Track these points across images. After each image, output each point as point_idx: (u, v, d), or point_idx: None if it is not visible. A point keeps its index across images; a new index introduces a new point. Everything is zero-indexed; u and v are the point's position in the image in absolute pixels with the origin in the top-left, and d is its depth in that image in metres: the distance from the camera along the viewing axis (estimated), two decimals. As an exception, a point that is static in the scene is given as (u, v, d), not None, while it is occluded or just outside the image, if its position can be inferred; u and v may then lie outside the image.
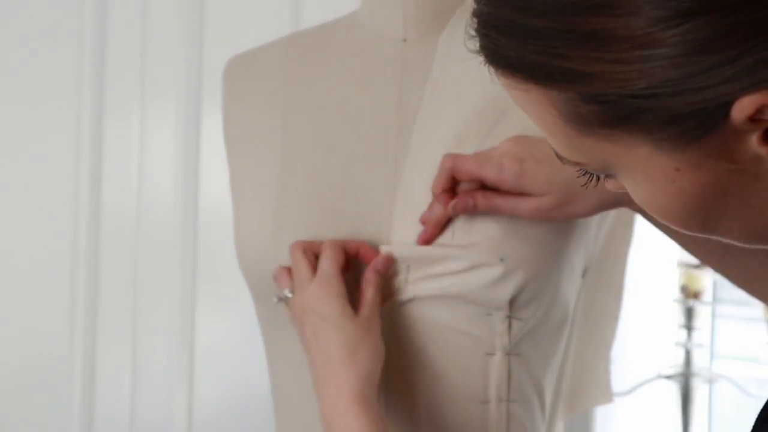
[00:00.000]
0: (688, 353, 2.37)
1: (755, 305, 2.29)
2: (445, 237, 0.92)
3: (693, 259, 2.40)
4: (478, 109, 0.95)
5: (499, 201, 0.90)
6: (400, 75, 0.99)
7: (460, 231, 0.92)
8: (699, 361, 2.41)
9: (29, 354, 1.79)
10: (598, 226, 1.01)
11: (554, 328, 0.98)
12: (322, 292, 0.88)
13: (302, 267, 0.90)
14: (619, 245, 1.07)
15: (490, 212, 0.91)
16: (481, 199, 0.91)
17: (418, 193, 0.94)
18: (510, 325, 0.93)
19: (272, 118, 1.00)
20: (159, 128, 1.94)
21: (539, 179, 0.88)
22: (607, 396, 1.09)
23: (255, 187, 0.98)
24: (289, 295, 0.91)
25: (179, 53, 1.95)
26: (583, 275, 1.01)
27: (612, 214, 1.02)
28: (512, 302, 0.92)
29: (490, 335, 0.92)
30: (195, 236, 1.98)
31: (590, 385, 1.08)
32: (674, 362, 2.51)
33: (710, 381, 2.41)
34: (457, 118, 0.95)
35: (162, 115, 1.94)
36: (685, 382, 2.36)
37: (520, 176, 0.88)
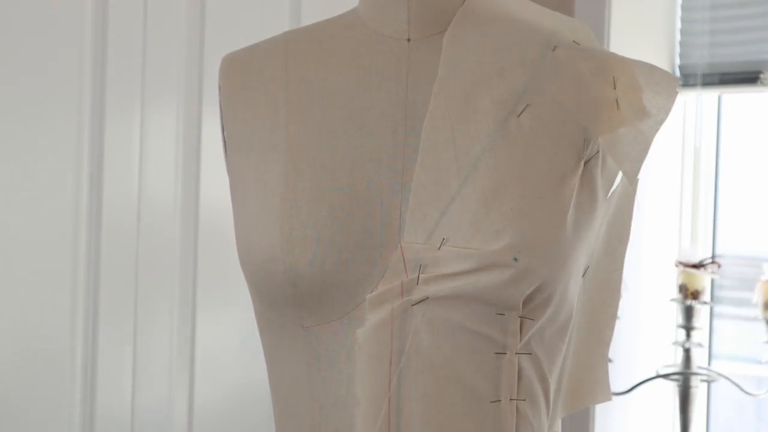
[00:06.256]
0: (686, 353, 2.37)
1: (754, 305, 2.29)
2: (458, 237, 0.92)
3: (692, 259, 2.41)
4: (486, 110, 0.96)
5: None
6: (405, 75, 0.99)
7: (474, 231, 0.92)
8: (698, 360, 2.41)
9: (30, 354, 1.79)
10: (600, 224, 1.01)
11: (561, 327, 0.98)
12: None
13: None
14: (617, 244, 1.07)
15: None
16: None
17: (428, 194, 0.94)
18: (522, 325, 0.93)
19: (275, 117, 0.99)
20: (160, 128, 1.94)
21: None
22: (605, 394, 1.08)
23: (260, 187, 0.97)
24: None
25: (179, 53, 1.95)
26: (584, 274, 1.01)
27: (611, 212, 1.03)
28: (525, 302, 0.92)
29: (503, 335, 0.92)
30: (195, 236, 1.98)
31: (589, 384, 1.08)
32: (673, 362, 2.52)
33: (709, 380, 2.41)
34: (466, 120, 0.96)
35: (162, 116, 1.95)
36: (684, 381, 2.37)
37: None
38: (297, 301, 0.94)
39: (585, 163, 0.97)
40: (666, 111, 0.98)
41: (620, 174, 1.01)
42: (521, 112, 0.96)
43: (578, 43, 1.01)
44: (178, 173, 1.96)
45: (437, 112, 0.96)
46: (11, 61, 1.75)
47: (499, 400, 0.93)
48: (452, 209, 0.93)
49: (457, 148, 0.94)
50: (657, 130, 0.98)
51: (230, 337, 2.02)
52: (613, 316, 1.08)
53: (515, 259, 0.90)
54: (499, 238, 0.91)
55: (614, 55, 1.00)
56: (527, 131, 0.95)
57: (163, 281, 1.95)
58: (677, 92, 0.99)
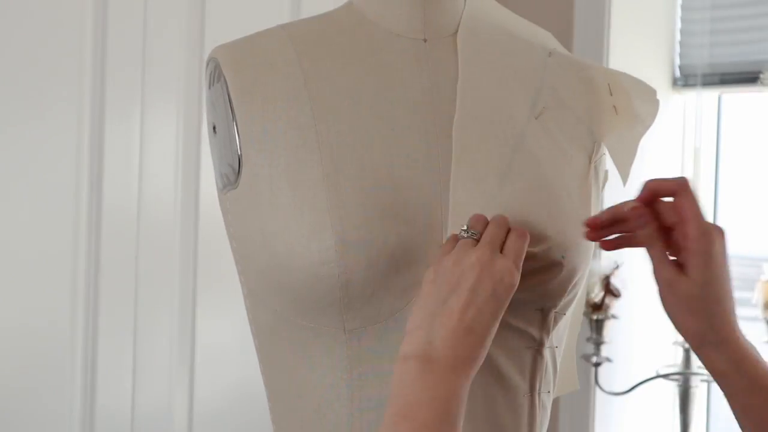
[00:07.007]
0: (686, 353, 2.37)
1: (754, 305, 2.29)
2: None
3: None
4: (510, 112, 0.98)
5: (657, 251, 0.94)
6: (428, 75, 0.98)
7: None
8: (698, 360, 2.41)
9: (30, 354, 1.79)
10: None
11: (568, 319, 1.03)
12: (515, 274, 0.88)
13: (501, 233, 0.90)
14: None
15: (645, 247, 0.94)
16: (649, 239, 0.94)
17: (468, 194, 0.94)
18: (555, 321, 0.97)
19: (300, 114, 0.95)
20: (160, 128, 1.94)
21: (711, 274, 0.92)
22: (574, 384, 1.13)
23: (295, 187, 0.93)
24: (472, 237, 0.89)
25: (179, 53, 1.95)
26: None
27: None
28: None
29: (539, 331, 0.96)
30: (195, 236, 1.98)
31: (562, 373, 1.10)
32: (673, 362, 2.52)
33: (709, 381, 2.41)
34: (493, 121, 0.97)
35: (163, 115, 1.95)
36: (684, 381, 2.37)
37: (709, 255, 0.91)
38: (345, 305, 0.92)
39: (591, 163, 1.02)
40: (652, 117, 1.04)
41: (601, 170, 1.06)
42: (539, 115, 0.99)
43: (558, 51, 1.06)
44: (178, 173, 1.96)
45: (465, 113, 0.97)
46: (11, 61, 1.75)
47: (529, 393, 0.97)
48: (493, 210, 0.93)
49: (489, 149, 0.96)
50: (644, 134, 1.03)
51: (230, 337, 2.03)
52: (582, 308, 1.14)
53: (563, 257, 0.94)
54: (545, 239, 0.94)
55: (597, 65, 1.06)
56: (549, 133, 0.99)
57: (163, 281, 1.95)
58: (658, 100, 1.04)
